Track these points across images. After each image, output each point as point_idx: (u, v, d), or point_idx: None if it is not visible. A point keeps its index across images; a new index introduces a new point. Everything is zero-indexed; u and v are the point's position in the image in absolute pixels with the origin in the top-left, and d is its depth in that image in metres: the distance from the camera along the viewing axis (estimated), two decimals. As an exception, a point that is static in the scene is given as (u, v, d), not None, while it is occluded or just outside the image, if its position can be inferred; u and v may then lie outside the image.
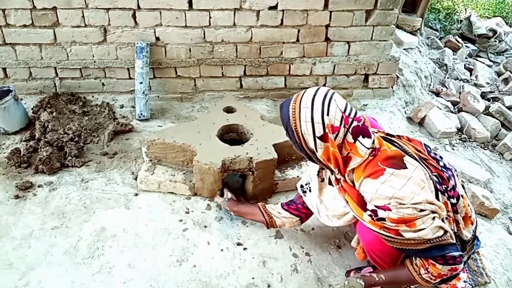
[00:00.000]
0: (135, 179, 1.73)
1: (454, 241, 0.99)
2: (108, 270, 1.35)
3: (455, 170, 1.13)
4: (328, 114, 0.99)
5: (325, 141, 1.01)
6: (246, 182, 1.67)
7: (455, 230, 1.06)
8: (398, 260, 1.13)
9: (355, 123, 1.02)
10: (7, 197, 1.61)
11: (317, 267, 1.40)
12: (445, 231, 0.98)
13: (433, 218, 0.97)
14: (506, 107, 2.59)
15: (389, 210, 0.97)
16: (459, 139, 2.34)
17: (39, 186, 1.67)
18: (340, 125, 1.00)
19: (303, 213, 1.36)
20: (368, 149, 1.02)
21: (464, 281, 1.39)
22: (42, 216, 1.54)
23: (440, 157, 1.12)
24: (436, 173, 1.05)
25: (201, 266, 1.38)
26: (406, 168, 0.99)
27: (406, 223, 0.96)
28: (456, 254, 0.98)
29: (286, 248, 1.46)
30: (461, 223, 1.08)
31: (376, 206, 1.00)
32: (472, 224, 1.11)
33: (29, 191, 1.65)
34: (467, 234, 1.09)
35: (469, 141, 2.34)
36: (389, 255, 1.11)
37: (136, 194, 1.67)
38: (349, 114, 1.02)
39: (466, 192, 1.15)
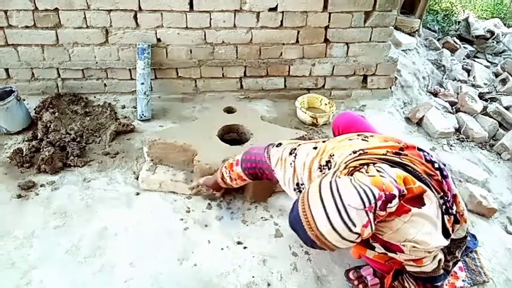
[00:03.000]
0: (137, 178, 1.74)
1: (443, 271, 1.07)
2: (110, 269, 1.36)
3: (444, 165, 1.13)
4: (355, 226, 0.88)
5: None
6: (246, 182, 1.68)
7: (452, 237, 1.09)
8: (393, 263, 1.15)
9: (379, 203, 0.91)
10: (9, 197, 1.62)
11: (316, 266, 1.41)
12: (439, 262, 1.03)
13: (437, 255, 1.02)
14: (504, 107, 2.61)
15: (402, 252, 0.98)
16: (457, 139, 2.35)
17: (41, 186, 1.69)
18: (368, 216, 0.90)
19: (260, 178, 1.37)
20: (396, 203, 0.95)
21: (463, 280, 1.40)
22: (44, 215, 1.55)
23: (431, 156, 1.11)
24: (441, 194, 1.04)
25: (202, 264, 1.39)
26: (425, 204, 0.98)
27: (415, 261, 1.01)
28: (444, 282, 1.10)
29: (286, 247, 1.47)
30: (456, 227, 1.10)
31: (387, 247, 0.99)
32: (465, 222, 1.12)
33: (31, 191, 1.66)
34: (461, 232, 1.11)
35: (467, 141, 2.36)
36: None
37: (137, 194, 1.68)
38: (370, 203, 0.89)
39: (456, 187, 1.15)
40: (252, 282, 1.34)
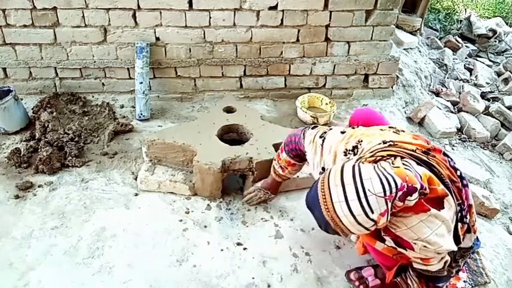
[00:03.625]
0: (135, 179, 1.73)
1: (447, 273, 1.06)
2: (108, 270, 1.35)
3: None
4: (372, 212, 0.88)
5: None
6: (246, 182, 1.67)
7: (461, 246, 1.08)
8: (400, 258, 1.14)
9: (400, 193, 0.90)
10: (7, 197, 1.61)
11: (317, 267, 1.40)
12: (445, 264, 1.03)
13: (444, 256, 1.02)
14: (506, 107, 2.60)
15: (412, 249, 0.98)
16: (459, 139, 2.34)
17: (39, 186, 1.67)
18: (387, 205, 0.89)
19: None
20: (416, 198, 0.94)
21: (464, 281, 1.39)
22: (42, 216, 1.54)
23: (454, 162, 1.11)
24: (459, 201, 1.04)
25: (201, 266, 1.38)
26: (444, 208, 0.98)
27: (423, 260, 1.01)
28: (446, 283, 1.12)
29: (286, 248, 1.46)
30: (467, 236, 1.09)
31: (397, 242, 0.99)
32: (474, 233, 1.11)
33: (29, 191, 1.65)
34: (468, 242, 1.10)
35: (469, 141, 2.34)
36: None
37: (136, 194, 1.67)
38: (391, 191, 0.89)
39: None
40: (252, 284, 1.33)
